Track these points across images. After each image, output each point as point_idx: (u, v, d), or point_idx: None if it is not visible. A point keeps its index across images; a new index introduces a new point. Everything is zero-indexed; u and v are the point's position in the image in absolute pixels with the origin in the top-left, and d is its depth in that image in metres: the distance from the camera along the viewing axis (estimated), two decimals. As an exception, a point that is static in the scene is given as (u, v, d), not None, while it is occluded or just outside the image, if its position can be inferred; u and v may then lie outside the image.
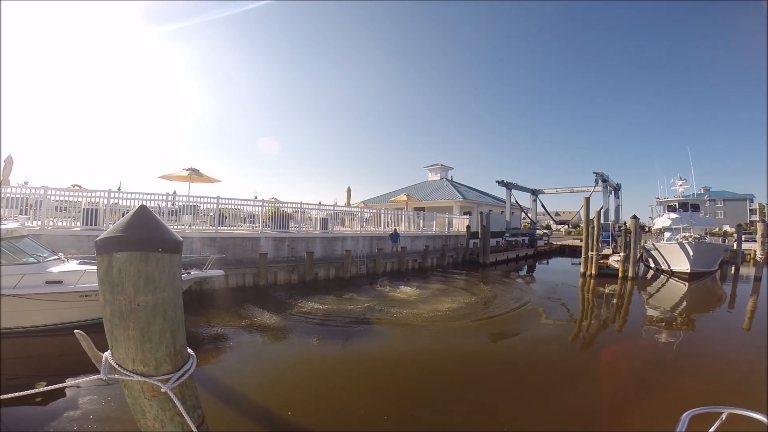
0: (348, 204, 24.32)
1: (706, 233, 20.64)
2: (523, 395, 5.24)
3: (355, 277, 14.92)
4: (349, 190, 25.04)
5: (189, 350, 2.50)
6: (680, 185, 22.82)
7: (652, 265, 20.76)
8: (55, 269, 7.09)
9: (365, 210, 20.99)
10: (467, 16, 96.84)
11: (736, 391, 5.58)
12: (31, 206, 10.33)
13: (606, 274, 17.47)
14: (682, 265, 17.63)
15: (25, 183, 13.82)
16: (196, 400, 2.49)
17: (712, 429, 1.73)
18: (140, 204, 2.50)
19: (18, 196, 10.30)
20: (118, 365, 2.21)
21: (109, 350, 2.28)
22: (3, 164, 13.00)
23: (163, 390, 2.19)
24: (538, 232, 35.42)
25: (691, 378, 6.10)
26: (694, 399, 5.10)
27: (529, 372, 6.08)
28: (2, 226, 6.86)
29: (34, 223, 10.00)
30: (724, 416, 1.74)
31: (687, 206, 21.80)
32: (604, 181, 27.43)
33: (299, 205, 15.69)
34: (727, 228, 35.19)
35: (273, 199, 17.15)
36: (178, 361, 2.33)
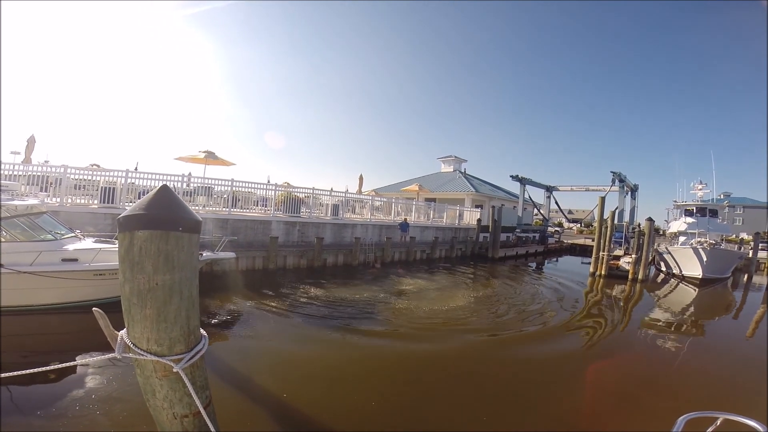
0: (359, 191, 24.29)
1: (722, 240, 20.18)
2: (521, 398, 5.25)
3: (363, 264, 15.01)
4: (361, 178, 24.98)
5: (201, 331, 2.55)
6: (700, 189, 22.30)
7: (663, 268, 20.44)
8: (71, 247, 7.13)
9: (376, 198, 20.98)
10: (488, 8, 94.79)
11: (734, 397, 5.55)
12: (51, 184, 10.56)
13: (616, 275, 17.28)
14: (694, 270, 17.33)
15: (46, 161, 14.12)
16: (205, 381, 2.54)
17: None
18: (160, 184, 2.53)
19: (39, 173, 10.55)
20: (133, 344, 2.26)
21: (124, 329, 2.33)
22: (26, 143, 13.31)
23: (174, 370, 2.24)
24: (549, 229, 35.06)
25: (689, 383, 6.09)
26: (691, 404, 5.11)
27: (527, 374, 6.03)
28: (22, 203, 7.01)
29: (54, 200, 10.24)
30: (719, 422, 1.77)
31: (705, 211, 21.30)
32: (621, 181, 26.94)
33: (311, 191, 15.77)
34: (744, 235, 34.36)
35: (286, 184, 17.23)
36: (191, 341, 2.38)
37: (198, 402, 2.29)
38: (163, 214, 2.27)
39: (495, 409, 4.72)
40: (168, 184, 11.81)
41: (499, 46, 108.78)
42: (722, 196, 26.40)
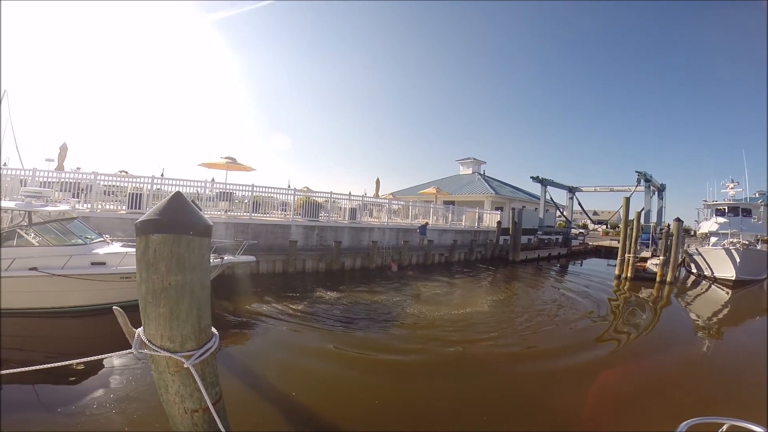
0: (376, 195, 24.42)
1: (757, 240, 19.26)
2: (529, 399, 5.19)
3: (380, 267, 15.09)
4: (378, 182, 25.08)
5: (213, 329, 2.66)
6: (731, 188, 21.38)
7: (694, 270, 19.69)
8: (100, 251, 7.44)
9: (393, 202, 21.05)
10: (506, 8, 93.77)
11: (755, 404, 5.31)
12: (82, 190, 11.08)
13: (642, 277, 16.77)
14: (727, 271, 16.63)
15: (78, 169, 14.80)
16: (215, 378, 2.64)
17: None
18: (184, 190, 2.68)
19: (71, 180, 11.09)
20: (149, 341, 2.40)
21: (141, 327, 2.47)
22: (58, 151, 14.02)
23: (185, 366, 2.36)
24: (573, 231, 34.27)
25: (709, 389, 5.91)
26: (707, 409, 5.02)
27: (535, 376, 5.91)
28: (55, 208, 7.40)
29: (85, 206, 10.72)
30: (725, 428, 1.70)
31: (737, 210, 20.41)
32: (647, 180, 26.12)
33: (329, 195, 15.98)
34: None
35: (305, 188, 17.53)
36: (202, 339, 2.49)
37: (207, 398, 2.40)
38: (176, 219, 2.41)
39: (501, 411, 4.71)
40: (192, 189, 12.35)
41: (517, 46, 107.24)
42: (757, 194, 25.05)
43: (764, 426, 1.57)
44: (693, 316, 11.25)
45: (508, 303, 10.77)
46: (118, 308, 2.45)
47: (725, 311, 12.34)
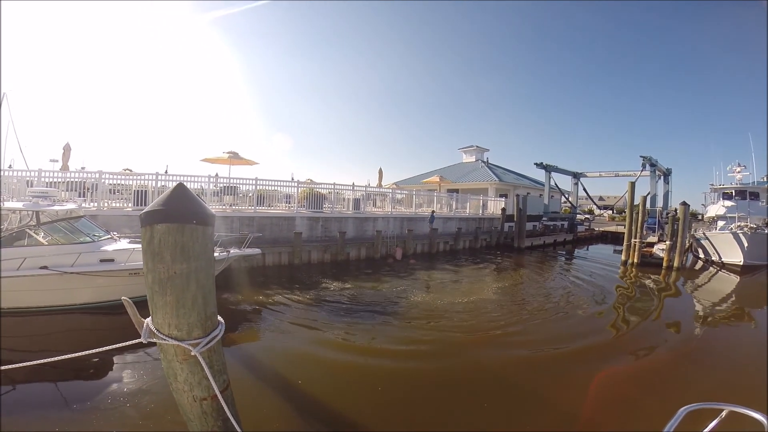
0: (379, 185, 24.36)
1: (765, 224, 19.05)
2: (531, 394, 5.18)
3: (385, 257, 15.18)
4: (380, 171, 24.94)
5: (219, 317, 2.70)
6: (738, 172, 21.13)
7: (701, 255, 19.54)
8: (108, 248, 7.52)
9: (397, 191, 21.02)
10: (507, 6, 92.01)
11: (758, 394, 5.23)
12: (88, 189, 11.17)
13: (649, 263, 16.64)
14: (735, 256, 16.49)
15: (83, 168, 14.90)
16: (222, 366, 2.68)
17: (710, 426, 1.65)
18: (180, 181, 2.70)
19: (77, 180, 11.18)
20: (157, 330, 2.44)
21: (150, 317, 2.52)
22: (62, 151, 14.11)
23: (192, 353, 2.40)
24: (579, 216, 34.07)
25: (710, 379, 5.84)
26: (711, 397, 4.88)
27: (537, 370, 5.87)
28: (62, 208, 7.47)
29: (91, 204, 10.82)
30: (723, 414, 1.67)
31: (745, 194, 20.17)
32: (653, 165, 25.85)
33: (333, 186, 15.99)
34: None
35: (308, 180, 17.55)
36: (208, 326, 2.53)
37: (215, 385, 2.44)
38: (179, 209, 2.43)
39: (502, 410, 4.68)
40: (196, 185, 12.41)
41: (519, 39, 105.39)
42: (765, 178, 24.74)
43: (764, 412, 1.54)
44: (698, 304, 11.04)
45: (515, 292, 10.72)
46: (127, 299, 2.50)
47: (732, 299, 12.10)
